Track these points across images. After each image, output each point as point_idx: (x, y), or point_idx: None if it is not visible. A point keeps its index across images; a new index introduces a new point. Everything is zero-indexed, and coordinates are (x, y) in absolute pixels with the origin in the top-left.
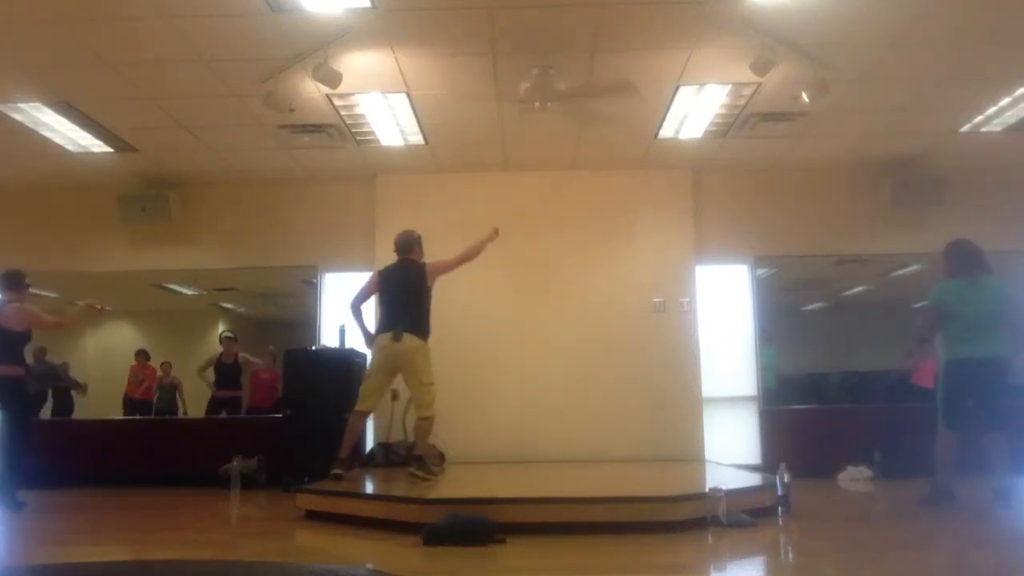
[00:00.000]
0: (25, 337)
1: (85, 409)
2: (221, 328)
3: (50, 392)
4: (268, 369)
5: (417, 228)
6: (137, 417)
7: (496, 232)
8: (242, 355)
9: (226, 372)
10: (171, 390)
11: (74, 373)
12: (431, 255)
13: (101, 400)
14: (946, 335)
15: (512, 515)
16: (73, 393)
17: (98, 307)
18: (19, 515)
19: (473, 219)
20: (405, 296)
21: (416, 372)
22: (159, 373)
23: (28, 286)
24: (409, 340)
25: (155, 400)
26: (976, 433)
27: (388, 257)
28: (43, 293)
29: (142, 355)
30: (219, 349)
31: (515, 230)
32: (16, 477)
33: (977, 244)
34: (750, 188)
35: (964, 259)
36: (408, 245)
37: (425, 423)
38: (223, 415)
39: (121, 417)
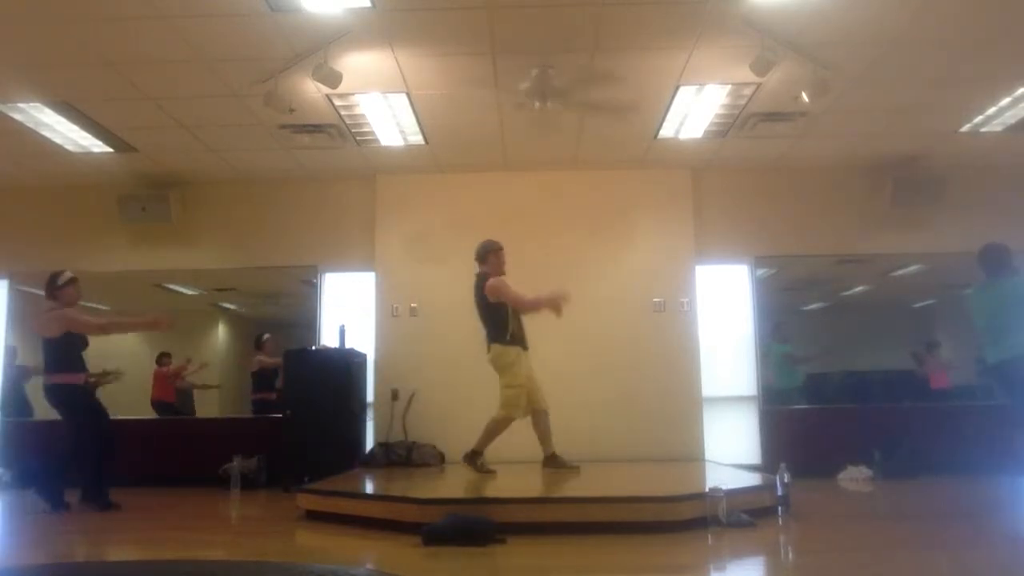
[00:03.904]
0: (66, 343)
1: None
2: (221, 328)
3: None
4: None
5: (417, 228)
6: (136, 417)
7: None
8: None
9: (266, 374)
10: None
11: None
12: (431, 255)
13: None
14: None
15: (512, 515)
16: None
17: (164, 323)
18: (58, 514)
19: (473, 219)
20: (477, 310)
21: (500, 377)
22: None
23: (63, 288)
24: (490, 351)
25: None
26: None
27: (388, 257)
28: (42, 293)
29: (164, 358)
30: (258, 355)
31: (515, 230)
32: (58, 480)
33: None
34: (750, 188)
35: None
36: (480, 256)
37: (495, 423)
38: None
39: (120, 417)
